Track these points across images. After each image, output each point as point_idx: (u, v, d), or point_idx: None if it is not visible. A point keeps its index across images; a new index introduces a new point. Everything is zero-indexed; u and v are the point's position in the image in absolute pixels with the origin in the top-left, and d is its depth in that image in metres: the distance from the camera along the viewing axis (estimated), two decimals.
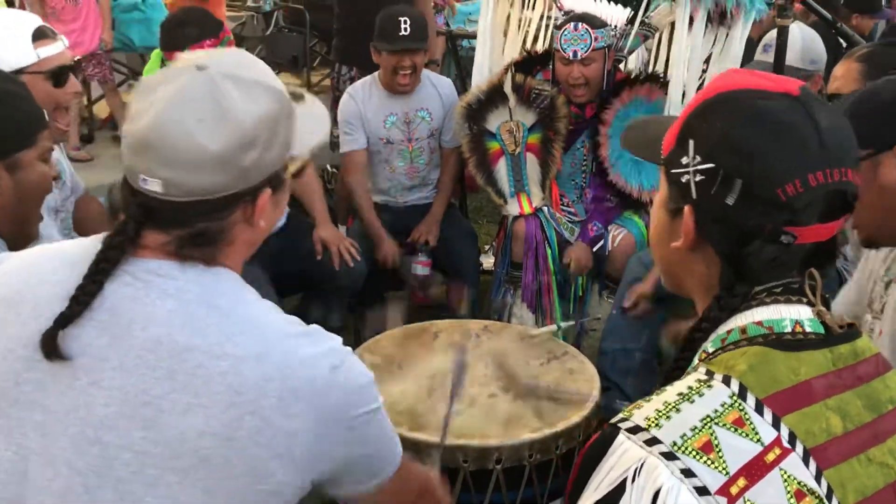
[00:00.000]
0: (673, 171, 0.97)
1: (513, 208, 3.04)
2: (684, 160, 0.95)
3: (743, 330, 0.93)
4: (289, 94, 1.10)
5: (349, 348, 1.08)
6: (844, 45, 2.98)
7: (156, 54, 2.65)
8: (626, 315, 2.71)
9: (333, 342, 1.07)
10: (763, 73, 0.99)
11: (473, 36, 5.88)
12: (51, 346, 0.99)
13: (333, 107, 3.92)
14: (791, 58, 2.55)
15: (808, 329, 0.92)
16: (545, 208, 3.03)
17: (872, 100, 1.42)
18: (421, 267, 3.18)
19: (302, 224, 2.96)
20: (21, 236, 1.56)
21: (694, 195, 0.94)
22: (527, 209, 3.02)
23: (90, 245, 1.05)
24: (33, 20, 2.06)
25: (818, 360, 0.90)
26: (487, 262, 3.65)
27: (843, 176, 0.92)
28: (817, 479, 0.85)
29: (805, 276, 0.95)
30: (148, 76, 1.07)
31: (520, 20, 3.24)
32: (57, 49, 2.02)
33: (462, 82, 5.42)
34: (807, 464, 0.85)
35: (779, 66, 1.58)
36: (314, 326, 1.08)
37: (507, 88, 3.00)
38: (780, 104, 0.93)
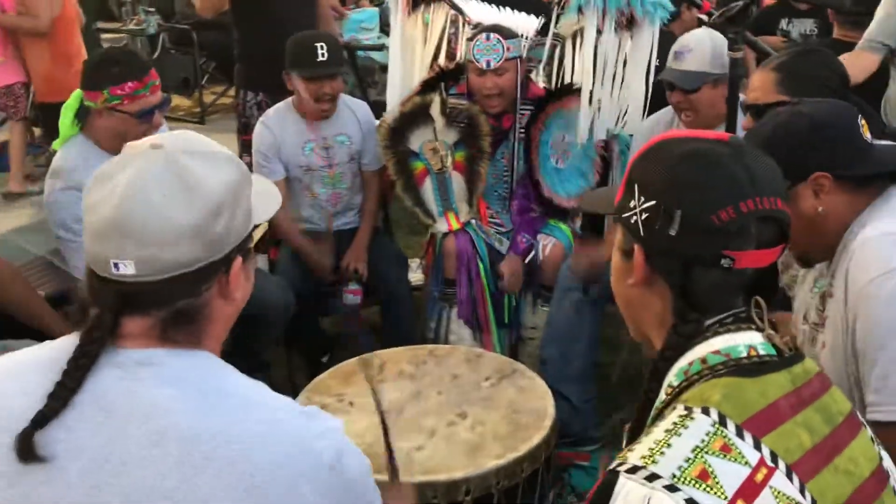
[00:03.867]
0: (623, 215, 1.07)
1: (441, 227, 3.02)
2: (632, 203, 1.06)
3: (703, 360, 1.00)
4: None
5: (344, 435, 1.07)
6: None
7: (76, 94, 2.51)
8: (574, 277, 2.72)
9: (335, 422, 1.06)
10: (698, 130, 1.13)
11: (370, 48, 5.87)
12: (26, 447, 0.93)
13: (241, 133, 3.82)
14: (701, 63, 2.62)
15: (761, 352, 1.00)
16: (473, 221, 3.02)
17: (779, 136, 1.52)
18: (352, 296, 3.11)
19: None
20: None
21: (641, 233, 1.05)
22: (455, 225, 3.01)
23: (64, 345, 1.00)
24: None
25: (780, 381, 0.99)
26: (415, 277, 3.62)
27: (773, 204, 1.02)
28: (802, 492, 0.92)
29: (751, 305, 1.04)
30: (103, 166, 1.02)
31: (427, 37, 3.22)
32: None
33: (363, 92, 5.40)
34: (791, 479, 0.92)
35: (732, 101, 1.61)
36: (313, 407, 1.07)
37: (435, 110, 2.97)
38: (710, 145, 1.05)
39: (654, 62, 2.89)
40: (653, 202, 1.03)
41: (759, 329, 1.03)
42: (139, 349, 1.00)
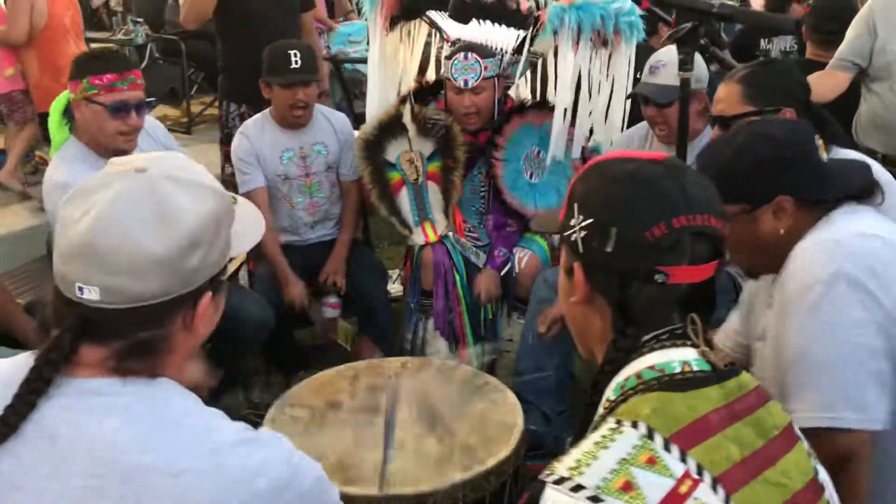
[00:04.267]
0: (565, 234, 1.11)
1: (418, 238, 3.05)
2: (572, 222, 1.10)
3: (638, 375, 1.04)
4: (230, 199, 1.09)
5: (300, 451, 1.07)
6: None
7: (64, 93, 2.53)
8: (541, 339, 2.75)
9: (283, 446, 1.05)
10: (636, 151, 1.18)
11: (357, 60, 5.90)
12: None
13: (223, 144, 3.84)
14: (675, 77, 2.65)
15: (695, 368, 1.04)
16: (450, 234, 3.05)
17: (741, 160, 1.55)
18: (331, 310, 3.14)
19: None
20: None
21: (580, 250, 1.09)
22: (432, 237, 3.04)
23: (21, 362, 0.98)
24: None
25: (711, 395, 1.02)
26: (394, 288, 3.64)
27: (705, 221, 1.06)
28: (727, 503, 0.95)
29: (688, 322, 1.07)
30: (84, 181, 1.00)
31: (409, 52, 3.25)
32: None
33: (349, 104, 5.43)
34: (715, 490, 0.95)
35: (683, 118, 1.65)
36: (262, 431, 1.05)
37: (407, 119, 3.01)
38: (646, 165, 1.09)
39: (632, 77, 2.93)
40: (590, 220, 1.07)
41: (694, 345, 1.06)
42: (91, 378, 0.98)
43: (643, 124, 2.90)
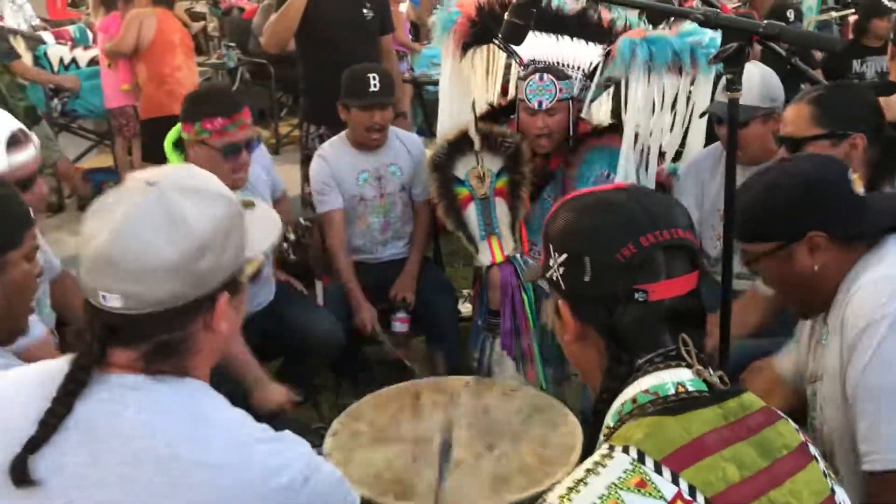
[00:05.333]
0: (547, 275, 1.14)
1: (484, 257, 3.05)
2: (551, 262, 1.14)
3: (633, 400, 1.05)
4: (240, 203, 1.14)
5: (319, 457, 1.11)
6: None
7: (176, 127, 2.68)
8: None
9: (303, 447, 1.10)
10: (600, 185, 1.22)
11: (437, 83, 5.99)
12: (20, 473, 0.99)
13: (304, 164, 3.96)
14: (752, 97, 2.59)
15: (689, 388, 1.04)
16: (518, 255, 3.05)
17: (771, 199, 1.56)
18: (399, 324, 3.18)
19: (283, 292, 2.97)
20: (10, 331, 1.58)
21: (563, 287, 1.11)
22: (498, 255, 3.03)
23: (56, 367, 1.06)
24: (8, 124, 2.08)
25: (708, 416, 1.02)
26: (465, 308, 3.66)
27: (673, 235, 1.08)
28: None
29: (680, 342, 1.07)
30: (102, 198, 1.08)
31: (485, 73, 3.29)
32: (28, 155, 2.05)
33: (429, 127, 5.50)
34: None
35: (732, 141, 1.64)
36: (285, 433, 1.10)
37: (473, 134, 3.04)
38: (607, 193, 1.14)
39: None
40: (565, 255, 1.10)
41: (689, 365, 1.05)
42: (125, 374, 1.04)
43: (716, 146, 2.85)
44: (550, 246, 1.14)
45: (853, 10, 6.46)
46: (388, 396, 2.40)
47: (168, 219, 1.03)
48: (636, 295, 1.05)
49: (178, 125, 2.69)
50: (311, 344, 2.87)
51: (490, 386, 2.47)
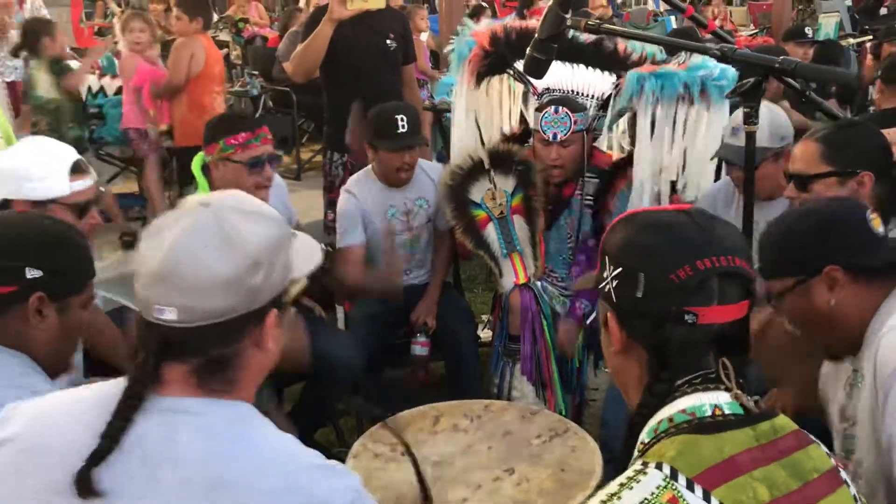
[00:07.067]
0: (600, 286, 1.16)
1: (507, 278, 3.08)
2: (605, 274, 1.16)
3: (671, 419, 1.07)
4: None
5: (366, 492, 1.14)
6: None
7: (199, 155, 2.77)
8: None
9: (352, 479, 1.13)
10: (665, 205, 1.19)
11: None
12: (85, 484, 1.03)
13: (326, 191, 4.03)
14: (760, 138, 2.60)
15: (727, 411, 1.07)
16: (539, 283, 3.08)
17: (791, 233, 1.60)
18: (420, 347, 3.22)
19: (304, 316, 3.03)
20: (59, 367, 1.67)
21: (614, 299, 1.14)
22: (521, 274, 3.06)
23: (110, 387, 1.11)
24: (72, 153, 2.24)
25: (740, 438, 1.04)
26: (485, 334, 3.70)
27: (730, 262, 1.09)
28: None
29: (720, 366, 1.10)
30: (158, 220, 1.14)
31: (500, 102, 3.34)
32: (87, 184, 2.21)
33: (448, 154, 5.56)
34: None
35: (749, 172, 1.68)
36: (336, 463, 1.14)
37: (481, 152, 3.10)
38: (669, 214, 1.15)
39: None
40: (619, 269, 1.13)
41: (727, 389, 1.08)
42: (178, 397, 1.09)
43: (729, 179, 2.88)
44: (606, 259, 1.16)
45: (871, 37, 6.50)
46: (408, 419, 2.44)
47: (222, 235, 1.08)
48: (686, 317, 1.08)
49: (199, 155, 2.77)
50: (330, 365, 2.91)
51: (510, 409, 2.50)
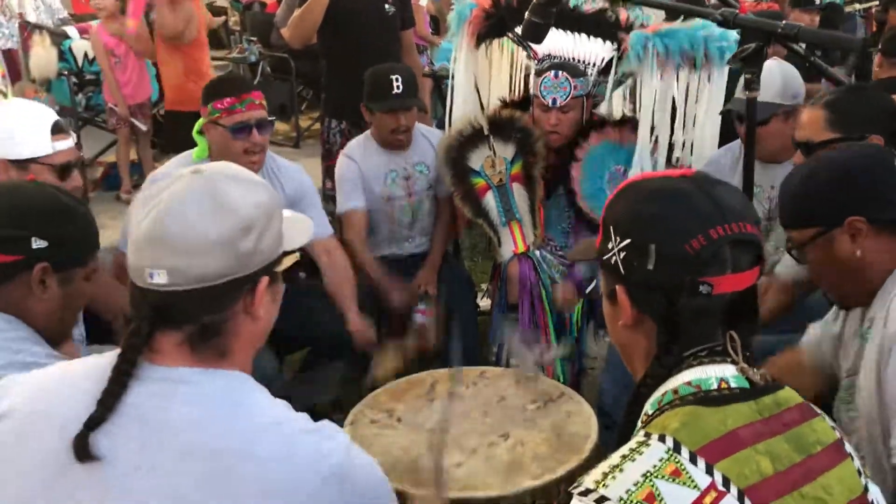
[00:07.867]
0: (604, 258, 1.12)
1: (506, 247, 3.08)
2: (610, 245, 1.11)
3: (675, 391, 1.06)
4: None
5: (356, 446, 1.15)
6: None
7: (201, 119, 2.78)
8: None
9: (343, 437, 1.13)
10: (667, 170, 1.15)
11: None
12: (82, 448, 1.04)
13: (324, 159, 4.00)
14: (772, 94, 2.58)
15: (732, 385, 1.06)
16: (538, 252, 3.08)
17: (812, 182, 1.55)
18: (421, 316, 3.22)
19: (299, 284, 3.02)
20: (60, 336, 1.69)
21: (622, 271, 1.10)
22: (520, 243, 3.06)
23: (107, 359, 1.11)
24: (52, 114, 2.24)
25: (743, 411, 1.03)
26: (484, 302, 3.70)
27: (742, 229, 1.07)
28: None
29: (727, 339, 1.08)
30: (149, 188, 1.14)
31: (500, 66, 3.31)
32: (68, 144, 2.20)
33: (450, 121, 5.53)
34: (742, 503, 0.95)
35: (750, 140, 1.65)
36: (324, 423, 1.14)
37: (481, 118, 3.07)
38: (673, 181, 1.11)
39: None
40: (628, 240, 1.08)
41: (733, 362, 1.07)
42: (173, 367, 1.09)
43: (735, 144, 2.86)
44: (611, 229, 1.11)
45: (877, 3, 6.43)
46: (404, 386, 2.45)
47: (213, 199, 1.08)
48: (701, 287, 1.04)
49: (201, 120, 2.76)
50: (334, 332, 2.91)
51: (506, 375, 2.51)
